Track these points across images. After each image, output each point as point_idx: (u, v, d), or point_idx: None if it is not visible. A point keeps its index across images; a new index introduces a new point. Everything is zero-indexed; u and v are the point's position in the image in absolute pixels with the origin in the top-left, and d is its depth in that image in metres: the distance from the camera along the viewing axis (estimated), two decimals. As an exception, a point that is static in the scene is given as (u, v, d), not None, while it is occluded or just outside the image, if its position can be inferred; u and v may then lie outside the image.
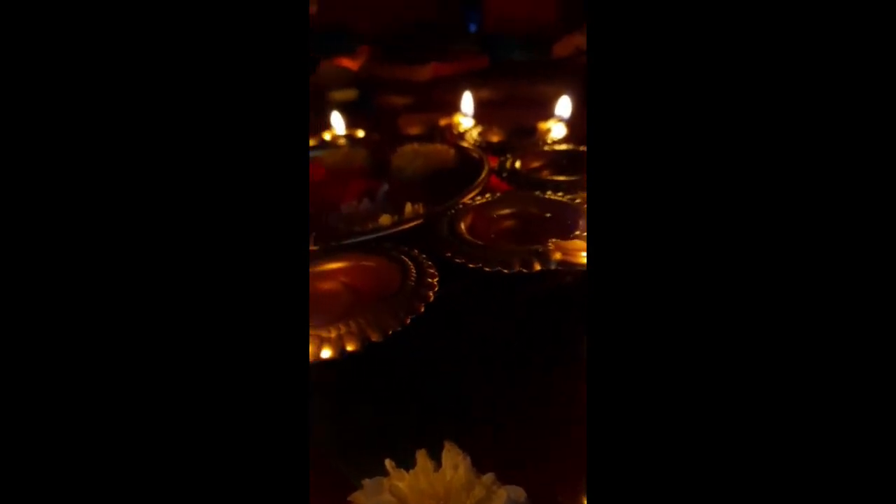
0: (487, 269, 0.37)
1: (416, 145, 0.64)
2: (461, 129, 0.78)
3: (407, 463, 0.24)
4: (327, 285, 0.39)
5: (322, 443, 0.31)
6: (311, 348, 0.30)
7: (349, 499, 0.24)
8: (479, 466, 0.24)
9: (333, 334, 0.31)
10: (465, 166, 0.60)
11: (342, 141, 0.77)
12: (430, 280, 0.36)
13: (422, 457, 0.24)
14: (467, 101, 0.81)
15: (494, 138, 0.73)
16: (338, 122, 0.81)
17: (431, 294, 0.34)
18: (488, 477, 0.24)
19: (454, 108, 0.83)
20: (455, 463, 0.24)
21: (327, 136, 0.80)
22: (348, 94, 1.15)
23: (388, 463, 0.24)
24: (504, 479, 0.24)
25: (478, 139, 0.72)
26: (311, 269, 0.39)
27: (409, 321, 0.32)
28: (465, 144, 0.68)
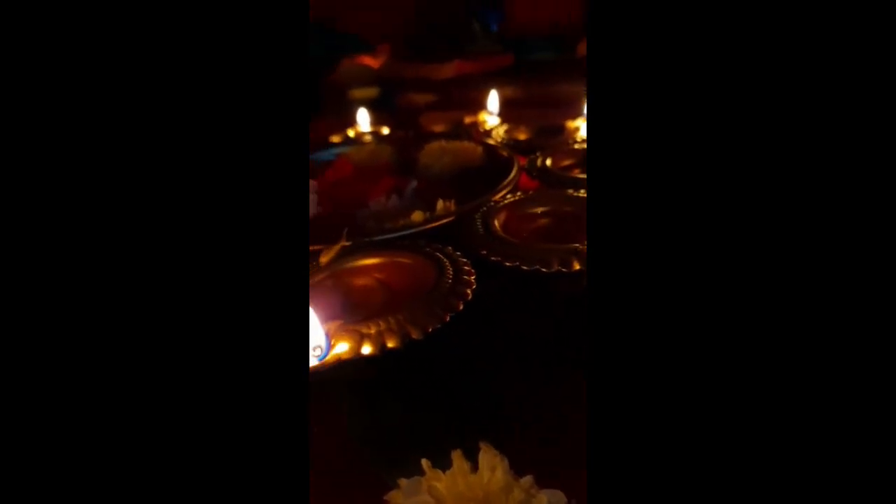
0: (525, 268, 0.36)
1: (443, 142, 0.64)
2: (486, 126, 0.78)
3: (441, 461, 0.24)
4: (361, 281, 0.39)
5: (357, 440, 0.31)
6: (350, 344, 0.30)
7: (385, 498, 0.24)
8: (515, 465, 0.23)
9: (373, 331, 0.31)
10: (492, 164, 0.59)
11: (368, 138, 0.77)
12: (466, 278, 0.35)
13: (458, 458, 0.23)
14: (493, 99, 0.80)
15: (521, 136, 0.73)
16: (363, 118, 0.80)
17: (469, 292, 0.34)
18: (527, 480, 0.23)
19: (475, 105, 0.82)
20: (492, 465, 0.23)
21: (351, 133, 0.80)
22: (369, 93, 1.15)
23: (424, 463, 0.24)
24: (541, 478, 0.23)
25: (504, 137, 0.72)
26: (344, 265, 0.39)
27: (448, 318, 0.31)
28: (491, 142, 0.68)
